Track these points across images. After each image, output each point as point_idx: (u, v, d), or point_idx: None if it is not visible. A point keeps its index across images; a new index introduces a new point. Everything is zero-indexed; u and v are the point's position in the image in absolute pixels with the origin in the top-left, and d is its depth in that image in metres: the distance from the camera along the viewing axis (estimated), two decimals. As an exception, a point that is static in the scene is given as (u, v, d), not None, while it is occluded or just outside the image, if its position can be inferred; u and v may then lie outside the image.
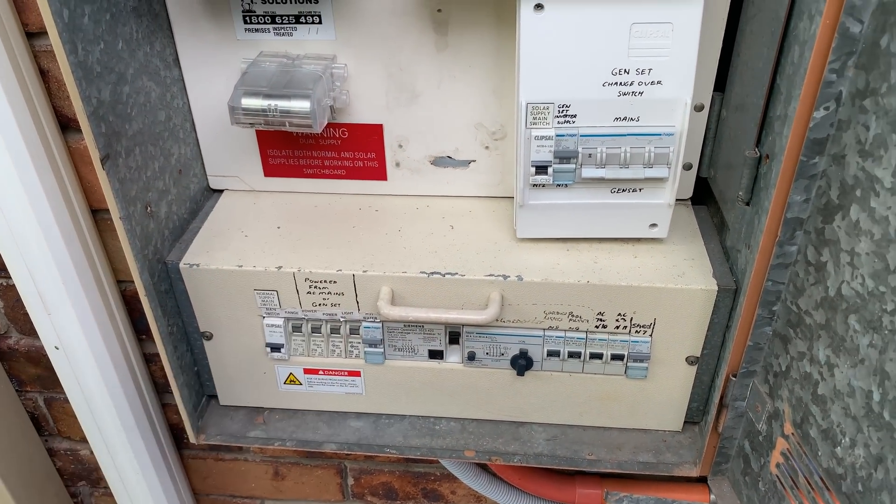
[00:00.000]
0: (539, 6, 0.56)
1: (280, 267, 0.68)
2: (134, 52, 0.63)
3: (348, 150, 0.75)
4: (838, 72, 0.46)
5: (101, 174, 0.57)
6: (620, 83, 0.59)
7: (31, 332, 0.93)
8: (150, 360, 0.93)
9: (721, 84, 0.67)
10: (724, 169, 0.69)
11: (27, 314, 0.82)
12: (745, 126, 0.61)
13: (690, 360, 0.69)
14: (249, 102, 0.64)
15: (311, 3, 0.66)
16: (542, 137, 0.61)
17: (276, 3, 0.66)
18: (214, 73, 0.71)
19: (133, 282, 0.64)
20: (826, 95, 0.46)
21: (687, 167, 0.72)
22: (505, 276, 0.65)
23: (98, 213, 0.79)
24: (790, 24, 0.52)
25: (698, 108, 0.68)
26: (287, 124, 0.64)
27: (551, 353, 0.69)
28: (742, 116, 0.63)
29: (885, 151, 0.43)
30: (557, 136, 0.61)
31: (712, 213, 0.73)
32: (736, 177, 0.62)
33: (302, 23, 0.67)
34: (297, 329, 0.72)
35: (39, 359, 0.95)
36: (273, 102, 0.63)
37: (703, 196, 0.75)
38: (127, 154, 0.62)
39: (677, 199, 0.72)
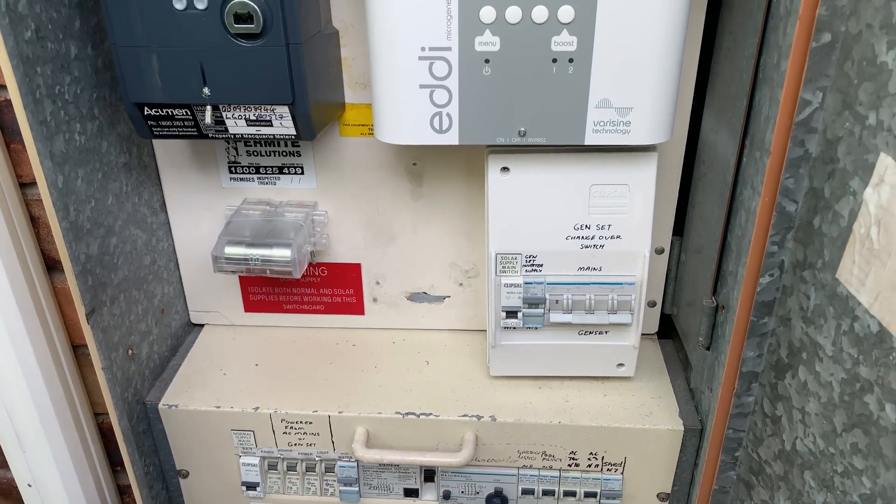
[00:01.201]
0: (505, 168, 0.61)
1: (257, 408, 0.69)
2: (123, 204, 0.66)
3: (327, 287, 0.78)
4: (779, 244, 0.49)
5: (85, 328, 0.59)
6: (583, 237, 0.62)
7: (3, 464, 0.91)
8: (123, 491, 0.92)
9: (680, 228, 0.72)
10: (685, 307, 0.72)
11: (1, 449, 0.82)
12: (703, 273, 0.65)
13: (662, 497, 0.70)
14: (232, 251, 0.67)
15: (294, 156, 0.70)
16: (512, 285, 0.64)
17: (261, 155, 0.71)
18: (200, 218, 0.74)
19: (109, 414, 0.65)
20: (769, 264, 0.50)
21: (651, 304, 0.75)
22: (479, 417, 0.67)
23: (79, 349, 0.80)
24: (736, 190, 0.57)
25: (659, 251, 0.72)
26: (268, 271, 0.67)
27: (526, 492, 0.70)
28: (699, 261, 0.67)
29: (825, 322, 0.46)
30: (525, 283, 0.64)
31: (677, 348, 0.76)
32: (696, 319, 0.66)
33: (285, 173, 0.71)
34: (272, 467, 0.72)
35: (10, 491, 0.94)
36: (255, 251, 0.66)
37: (668, 331, 0.78)
38: (111, 302, 0.64)
39: (644, 334, 0.75)
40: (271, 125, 0.59)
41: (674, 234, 0.72)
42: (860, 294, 0.43)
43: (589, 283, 0.64)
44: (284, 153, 0.70)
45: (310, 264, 0.76)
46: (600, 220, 0.62)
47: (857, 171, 0.42)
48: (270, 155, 0.70)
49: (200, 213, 0.74)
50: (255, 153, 0.70)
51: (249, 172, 0.71)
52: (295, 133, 0.59)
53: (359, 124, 0.68)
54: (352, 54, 0.65)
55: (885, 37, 0.38)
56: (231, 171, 0.71)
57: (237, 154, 0.70)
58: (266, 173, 0.71)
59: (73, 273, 0.57)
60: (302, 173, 0.71)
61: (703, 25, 0.61)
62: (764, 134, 0.49)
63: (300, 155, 0.70)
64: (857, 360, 0.43)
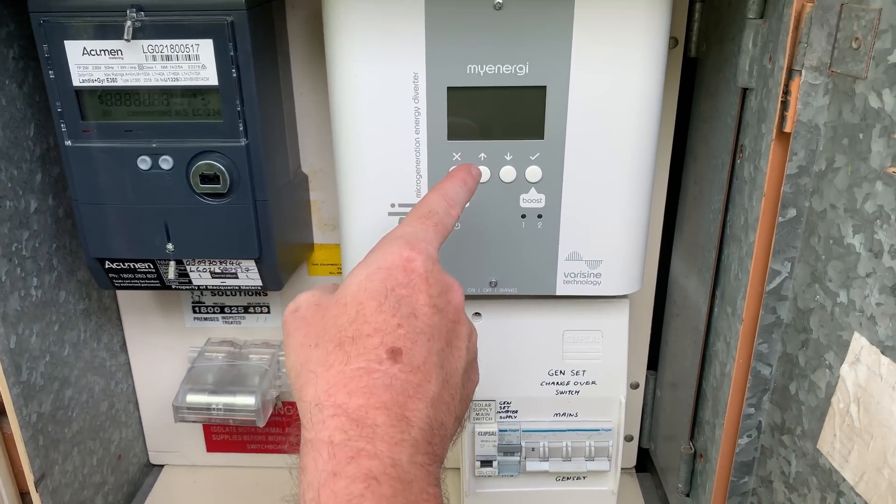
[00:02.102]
0: (477, 314, 0.60)
1: (218, 566, 0.65)
2: (80, 352, 0.63)
3: (293, 426, 0.75)
4: (755, 405, 0.49)
5: (34, 496, 0.56)
6: (557, 383, 0.61)
7: None
8: None
9: (654, 361, 0.71)
10: (662, 441, 0.71)
11: None
12: (679, 410, 0.64)
13: None
14: (194, 399, 0.64)
15: (259, 295, 0.69)
16: (486, 433, 0.62)
17: (226, 295, 0.69)
18: (162, 358, 0.71)
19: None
20: (747, 426, 0.49)
21: (628, 439, 0.74)
22: (453, 571, 0.64)
23: (26, 496, 0.75)
24: (709, 340, 0.56)
25: (634, 386, 0.71)
26: (231, 420, 0.64)
27: None
28: (675, 397, 0.66)
29: (809, 492, 0.45)
30: (500, 430, 0.62)
31: (656, 484, 0.74)
32: (673, 455, 0.64)
33: (251, 312, 0.69)
34: None
35: None
36: (218, 399, 0.64)
37: (645, 462, 0.76)
38: (64, 459, 0.61)
39: (622, 468, 0.74)
40: (237, 277, 0.58)
41: (648, 369, 0.71)
42: (844, 470, 0.42)
43: (565, 430, 0.62)
44: (250, 293, 0.69)
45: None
46: (574, 366, 0.61)
47: (831, 346, 0.42)
48: (236, 294, 0.69)
49: (162, 353, 0.71)
50: (220, 293, 0.69)
51: (214, 312, 0.69)
52: (261, 285, 0.58)
53: (328, 263, 0.67)
54: (321, 197, 0.65)
55: (851, 220, 0.39)
56: (195, 311, 0.69)
57: (201, 294, 0.69)
58: (231, 313, 0.69)
59: (23, 439, 0.54)
60: (268, 312, 0.69)
61: (668, 172, 0.62)
62: (735, 297, 0.49)
63: (266, 294, 0.69)
64: (845, 538, 0.42)
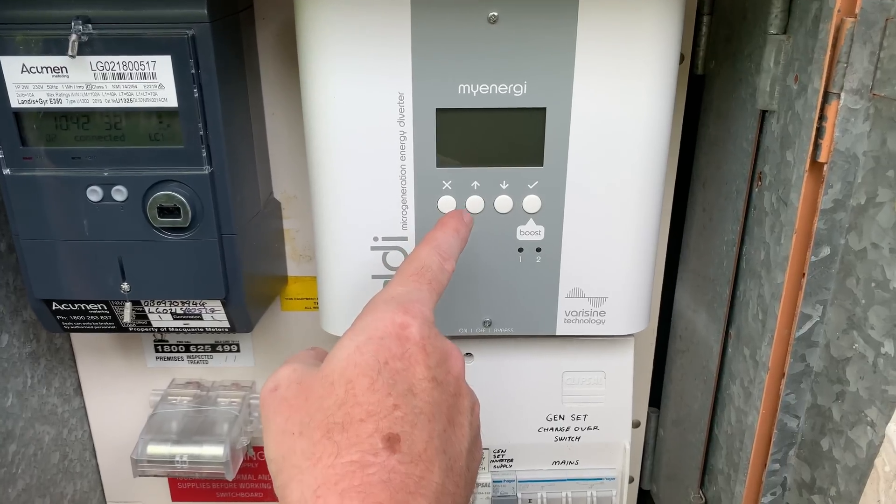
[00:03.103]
0: (469, 355, 0.55)
1: None
2: (27, 400, 0.57)
3: (265, 473, 0.69)
4: (781, 461, 0.44)
5: (-32, 571, 0.49)
6: (556, 428, 0.56)
7: None
8: None
9: (656, 398, 0.66)
10: (665, 482, 0.66)
11: None
12: (684, 451, 0.59)
13: None
14: (155, 450, 0.58)
15: (228, 332, 0.63)
16: (479, 484, 0.57)
17: (192, 332, 0.63)
18: (121, 401, 0.65)
19: None
20: (771, 483, 0.45)
21: (629, 480, 0.69)
22: None
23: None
24: (721, 382, 0.52)
25: (635, 425, 0.66)
26: (197, 474, 0.58)
27: None
28: (679, 435, 0.61)
29: (845, 561, 0.40)
30: (494, 481, 0.57)
31: (659, 529, 0.69)
32: (677, 498, 0.60)
33: (219, 351, 0.64)
34: None
35: None
36: (182, 450, 0.58)
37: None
38: (6, 523, 0.54)
39: (622, 512, 0.69)
40: (201, 319, 0.52)
41: (650, 406, 0.66)
42: (889, 541, 0.37)
43: (565, 480, 0.57)
44: (218, 330, 0.63)
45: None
46: (575, 410, 0.56)
47: (874, 401, 0.37)
48: (202, 332, 0.63)
49: (121, 395, 0.65)
50: (185, 330, 0.62)
51: (178, 351, 0.63)
52: (229, 327, 0.52)
53: (303, 298, 0.62)
54: (295, 226, 0.59)
55: (898, 262, 0.34)
56: (157, 350, 0.63)
57: (166, 330, 0.63)
58: (197, 352, 0.64)
59: (-45, 507, 0.48)
60: (238, 351, 0.64)
61: (672, 198, 0.57)
62: (755, 339, 0.44)
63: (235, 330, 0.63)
64: None
